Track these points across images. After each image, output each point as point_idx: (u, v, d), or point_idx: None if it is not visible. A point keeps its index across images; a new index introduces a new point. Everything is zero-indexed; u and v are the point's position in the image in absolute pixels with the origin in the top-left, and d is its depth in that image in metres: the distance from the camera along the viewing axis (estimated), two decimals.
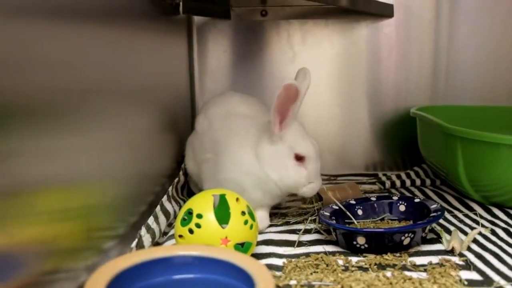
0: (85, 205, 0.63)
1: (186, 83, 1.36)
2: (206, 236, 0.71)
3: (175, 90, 1.25)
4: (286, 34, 1.39)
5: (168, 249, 0.55)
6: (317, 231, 0.92)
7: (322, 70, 1.39)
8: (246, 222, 0.73)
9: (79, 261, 0.61)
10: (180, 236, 0.73)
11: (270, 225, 0.97)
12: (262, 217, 0.94)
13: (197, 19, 1.37)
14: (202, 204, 0.73)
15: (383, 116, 1.41)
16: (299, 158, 0.88)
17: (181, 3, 1.21)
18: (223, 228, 0.71)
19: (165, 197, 0.95)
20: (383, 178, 1.28)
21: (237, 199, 0.75)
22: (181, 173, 1.12)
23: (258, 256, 0.81)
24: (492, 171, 0.96)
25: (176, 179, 1.07)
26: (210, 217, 0.72)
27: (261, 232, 0.92)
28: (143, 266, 0.53)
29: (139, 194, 0.85)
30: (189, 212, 0.74)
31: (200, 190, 1.02)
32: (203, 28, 1.38)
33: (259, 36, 1.39)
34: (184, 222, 0.73)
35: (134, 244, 0.72)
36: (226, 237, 0.71)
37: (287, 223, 0.98)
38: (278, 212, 1.04)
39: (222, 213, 0.73)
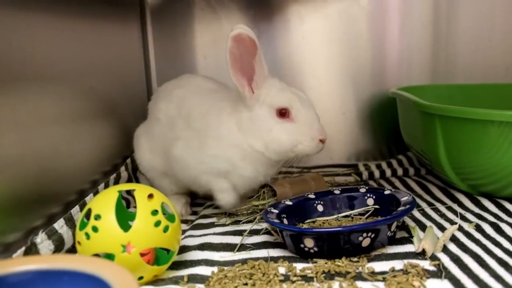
0: None
1: (140, 68, 1.22)
2: (103, 242, 0.57)
3: (124, 76, 1.11)
4: (250, 12, 1.24)
5: (2, 265, 0.41)
6: (267, 232, 0.77)
7: (292, 50, 1.24)
8: (158, 224, 0.59)
9: None
10: (78, 242, 0.59)
11: (215, 225, 0.83)
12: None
13: None
14: (103, 202, 0.59)
15: (364, 101, 1.25)
16: (283, 113, 0.75)
17: None
18: (125, 231, 0.57)
19: (90, 195, 0.81)
20: (361, 169, 1.13)
21: (150, 196, 0.61)
22: (123, 168, 0.98)
23: (186, 264, 0.67)
24: (477, 155, 0.80)
25: (113, 175, 0.93)
26: (109, 219, 0.57)
27: (202, 234, 0.78)
28: None
29: (44, 194, 0.71)
30: (88, 213, 0.60)
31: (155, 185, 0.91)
32: (157, 7, 1.24)
33: (221, 15, 1.24)
34: (82, 225, 0.59)
35: (18, 253, 0.59)
36: (129, 243, 0.57)
37: (237, 223, 0.83)
38: (226, 211, 0.89)
39: (127, 213, 0.59)
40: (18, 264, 0.41)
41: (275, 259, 0.66)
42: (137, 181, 1.04)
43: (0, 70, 0.61)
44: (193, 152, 0.80)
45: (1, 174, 0.61)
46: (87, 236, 0.57)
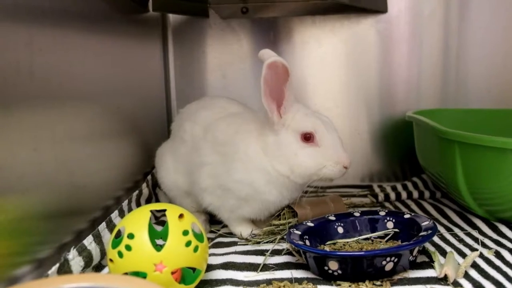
0: None
1: (160, 87, 1.25)
2: (136, 261, 0.58)
3: (146, 95, 1.14)
4: (269, 33, 1.27)
5: (47, 283, 0.42)
6: (288, 252, 0.79)
7: (309, 71, 1.26)
8: (188, 244, 0.61)
9: None
10: (111, 260, 0.61)
11: (236, 244, 0.84)
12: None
13: (172, 18, 1.27)
14: (135, 221, 0.61)
15: (378, 123, 1.27)
16: (307, 137, 0.77)
17: (150, 0, 1.11)
18: (157, 251, 0.59)
19: (116, 212, 0.83)
20: (377, 190, 1.14)
21: (181, 216, 0.63)
22: (144, 185, 1.00)
23: (212, 283, 0.68)
24: (496, 182, 0.81)
25: (136, 192, 0.95)
26: (142, 238, 0.59)
27: (224, 253, 0.79)
28: None
29: (73, 210, 0.73)
30: (120, 231, 0.61)
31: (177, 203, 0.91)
32: (179, 27, 1.28)
33: (241, 35, 1.27)
34: (115, 243, 0.61)
35: (53, 270, 0.60)
36: (161, 262, 0.58)
37: (257, 243, 0.85)
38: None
39: (154, 231, 0.61)
40: (63, 282, 0.42)
41: (299, 281, 0.68)
42: (156, 198, 1.06)
43: (41, 89, 0.64)
44: (219, 179, 0.82)
45: (38, 190, 0.63)
46: (120, 254, 0.59)
